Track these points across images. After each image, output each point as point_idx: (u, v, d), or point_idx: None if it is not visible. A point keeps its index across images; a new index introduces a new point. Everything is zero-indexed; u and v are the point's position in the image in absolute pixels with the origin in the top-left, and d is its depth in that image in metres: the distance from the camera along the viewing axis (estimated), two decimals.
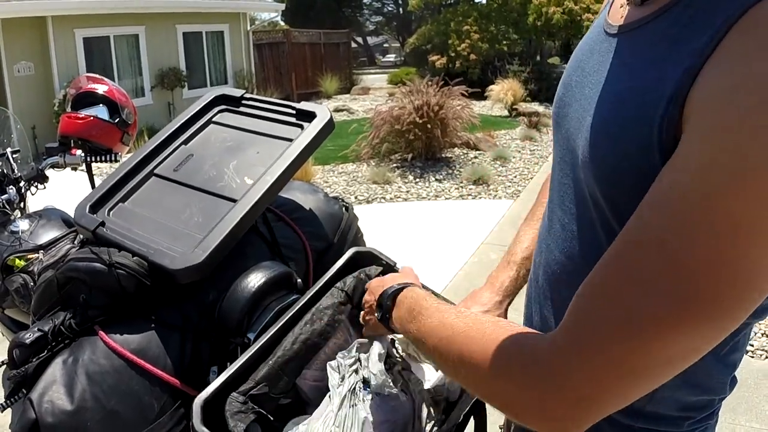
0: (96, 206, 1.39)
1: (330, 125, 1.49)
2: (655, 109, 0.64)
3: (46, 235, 2.01)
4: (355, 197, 7.19)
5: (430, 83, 8.34)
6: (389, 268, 1.28)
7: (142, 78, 13.68)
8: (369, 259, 1.28)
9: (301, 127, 1.50)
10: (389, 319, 0.96)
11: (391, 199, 7.06)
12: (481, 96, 12.01)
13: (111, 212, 1.39)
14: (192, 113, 1.60)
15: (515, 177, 7.58)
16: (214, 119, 1.61)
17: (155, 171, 1.47)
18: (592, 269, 0.66)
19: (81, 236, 1.49)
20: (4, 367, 2.27)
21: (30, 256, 1.94)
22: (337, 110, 14.19)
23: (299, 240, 1.50)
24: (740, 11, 0.58)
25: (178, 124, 1.57)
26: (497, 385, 0.69)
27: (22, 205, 2.27)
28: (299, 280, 1.33)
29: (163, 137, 1.54)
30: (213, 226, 1.28)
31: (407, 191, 7.25)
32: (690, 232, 0.58)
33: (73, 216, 1.42)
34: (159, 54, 13.80)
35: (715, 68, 0.59)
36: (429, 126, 7.81)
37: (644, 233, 0.62)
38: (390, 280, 1.03)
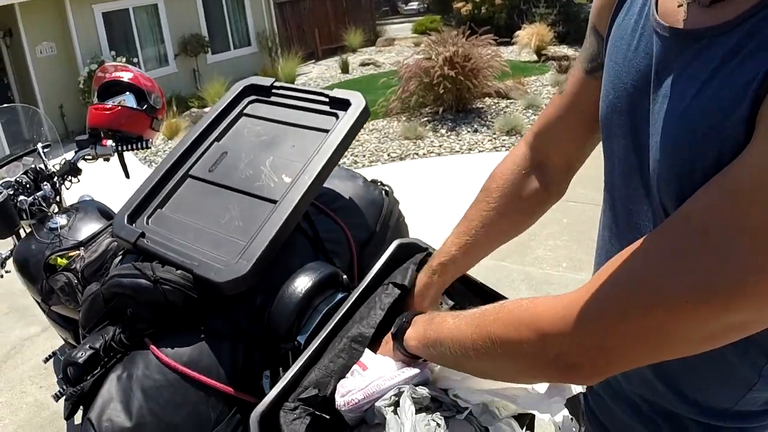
0: (134, 215, 1.37)
1: (366, 113, 1.44)
2: (722, 132, 0.61)
3: (85, 230, 2.02)
4: (388, 155, 7.14)
5: (457, 34, 8.15)
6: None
7: (164, 46, 13.68)
8: (413, 249, 1.24)
9: (336, 116, 1.45)
10: (403, 334, 0.96)
11: (424, 154, 6.99)
12: (508, 42, 11.72)
13: (149, 220, 1.36)
14: (222, 107, 1.56)
15: None
16: (245, 111, 1.56)
17: (190, 172, 1.44)
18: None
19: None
20: (54, 357, 2.32)
21: (71, 254, 1.95)
22: (363, 64, 14.01)
23: (341, 232, 1.46)
24: None
25: (210, 120, 1.53)
26: (522, 344, 0.72)
27: (57, 199, 2.28)
28: (345, 277, 1.30)
29: (196, 135, 1.50)
30: (256, 232, 1.24)
31: (440, 145, 7.16)
32: (742, 210, 0.57)
33: (112, 227, 1.39)
34: (180, 21, 13.74)
35: None
36: (460, 77, 7.66)
37: (694, 213, 0.62)
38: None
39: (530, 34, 11.81)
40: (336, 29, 18.23)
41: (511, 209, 1.06)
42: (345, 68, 13.61)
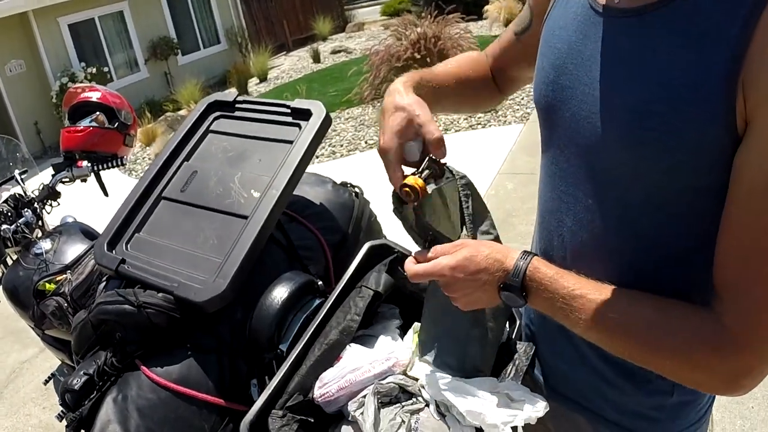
0: (113, 242, 1.42)
1: (327, 121, 1.49)
2: (706, 87, 0.71)
3: (70, 252, 2.06)
4: (365, 142, 7.17)
5: (423, 15, 8.16)
6: (404, 257, 1.29)
7: (134, 52, 13.61)
8: (383, 251, 1.30)
9: (299, 126, 1.50)
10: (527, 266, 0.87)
11: None
12: (478, 17, 11.72)
13: (128, 245, 1.41)
14: (188, 126, 1.60)
15: (522, 99, 7.44)
16: (211, 128, 1.61)
17: (163, 194, 1.49)
18: (723, 244, 0.75)
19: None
20: (53, 378, 2.37)
21: (59, 278, 1.99)
22: (334, 52, 13.96)
23: (314, 238, 1.52)
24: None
25: (177, 140, 1.58)
26: (685, 370, 0.78)
27: (40, 224, 2.31)
28: (320, 283, 1.36)
29: (165, 156, 1.55)
30: (230, 249, 1.30)
31: None
32: None
33: (93, 254, 1.44)
34: (147, 26, 13.66)
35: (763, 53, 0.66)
36: (428, 60, 7.67)
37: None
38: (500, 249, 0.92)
39: (499, 8, 11.83)
40: (305, 18, 18.11)
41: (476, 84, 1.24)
42: (316, 58, 13.57)
